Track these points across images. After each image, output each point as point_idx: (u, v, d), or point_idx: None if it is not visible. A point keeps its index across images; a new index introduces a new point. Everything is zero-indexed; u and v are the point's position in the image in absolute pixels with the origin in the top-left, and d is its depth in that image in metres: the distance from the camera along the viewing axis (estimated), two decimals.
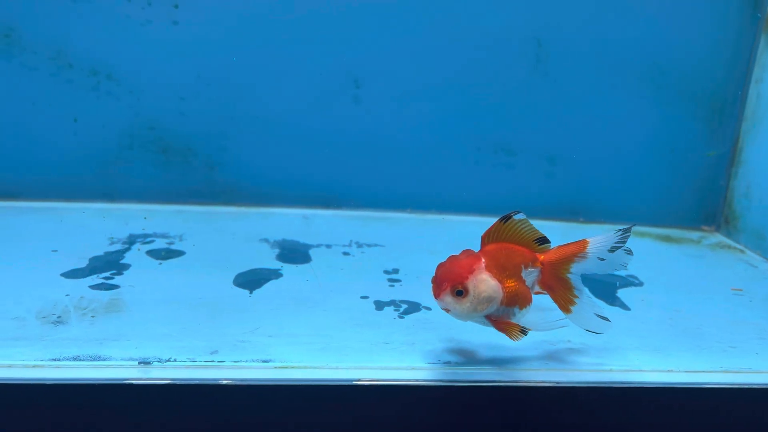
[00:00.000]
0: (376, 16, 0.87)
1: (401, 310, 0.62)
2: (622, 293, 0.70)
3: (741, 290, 0.72)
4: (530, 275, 0.50)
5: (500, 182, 0.95)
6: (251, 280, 0.66)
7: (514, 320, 0.49)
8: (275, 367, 0.50)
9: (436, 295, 0.47)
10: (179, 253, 0.73)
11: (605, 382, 0.51)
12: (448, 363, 0.52)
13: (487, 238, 0.49)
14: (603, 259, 0.49)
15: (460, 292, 0.46)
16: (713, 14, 0.88)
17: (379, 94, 0.90)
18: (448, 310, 0.48)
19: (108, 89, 0.85)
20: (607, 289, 0.71)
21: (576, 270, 0.50)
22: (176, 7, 0.84)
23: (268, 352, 0.52)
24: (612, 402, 0.51)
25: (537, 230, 0.50)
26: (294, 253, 0.76)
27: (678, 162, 0.94)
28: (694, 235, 0.93)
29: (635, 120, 0.93)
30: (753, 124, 0.88)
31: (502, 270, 0.48)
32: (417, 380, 0.50)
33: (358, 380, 0.49)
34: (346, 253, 0.77)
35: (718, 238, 0.92)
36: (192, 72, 0.87)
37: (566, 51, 0.89)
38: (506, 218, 0.49)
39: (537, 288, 0.51)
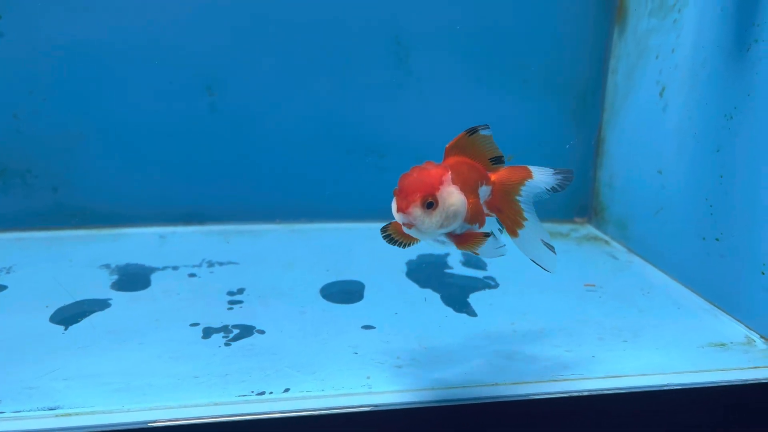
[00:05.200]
0: (229, 20, 0.82)
1: (230, 336, 0.58)
2: (474, 297, 0.68)
3: (593, 285, 0.71)
4: (482, 194, 0.46)
5: (373, 185, 0.92)
6: (72, 315, 0.61)
7: None
8: (57, 415, 0.45)
9: (403, 208, 0.42)
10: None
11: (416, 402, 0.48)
12: (261, 394, 0.49)
13: (451, 150, 0.45)
14: (549, 190, 0.48)
15: (431, 204, 0.42)
16: (570, 7, 0.87)
17: (237, 100, 0.86)
18: (411, 226, 0.42)
19: None
20: (460, 292, 0.69)
21: (526, 193, 0.48)
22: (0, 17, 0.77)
23: (57, 398, 0.47)
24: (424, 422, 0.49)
25: (497, 148, 0.47)
26: (134, 279, 0.70)
27: (547, 154, 0.93)
28: (565, 228, 0.92)
29: (502, 114, 0.91)
30: (612, 114, 0.88)
31: (465, 184, 0.44)
32: (220, 416, 0.46)
33: (154, 422, 0.45)
34: (192, 275, 0.72)
35: (588, 229, 0.92)
36: (23, 87, 0.80)
37: (427, 49, 0.87)
38: (472, 131, 0.45)
39: (485, 209, 0.48)
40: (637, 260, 0.80)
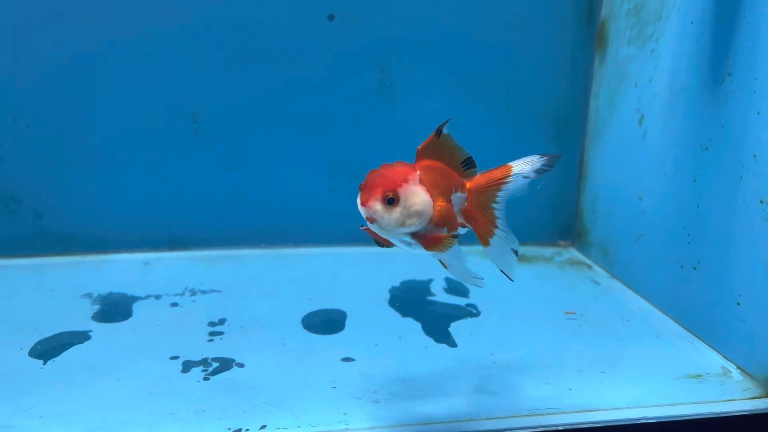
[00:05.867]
0: (212, 48, 0.83)
1: (210, 369, 0.58)
2: (455, 327, 0.68)
3: (574, 313, 0.71)
4: (456, 201, 0.46)
5: (357, 210, 0.91)
6: (51, 348, 0.61)
7: None
8: None
9: (364, 202, 0.42)
10: None
11: None
12: (237, 431, 0.49)
13: (424, 152, 0.45)
14: (528, 177, 0.48)
15: (392, 200, 0.42)
16: (551, 33, 0.88)
17: (221, 126, 0.86)
18: (373, 221, 0.43)
19: None
20: (442, 321, 0.69)
21: (501, 199, 0.48)
22: None
23: None
24: None
25: (464, 150, 0.47)
26: (115, 309, 0.70)
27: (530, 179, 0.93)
28: (549, 251, 0.93)
29: (485, 138, 0.91)
30: (594, 138, 0.88)
31: (434, 187, 0.44)
32: None
33: None
34: (174, 304, 0.72)
35: (572, 253, 0.92)
36: (7, 114, 0.81)
37: (410, 74, 0.88)
38: (439, 132, 0.45)
39: (459, 218, 0.47)
40: (618, 286, 0.80)
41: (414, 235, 0.44)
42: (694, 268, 0.67)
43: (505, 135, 0.91)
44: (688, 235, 0.67)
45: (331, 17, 0.84)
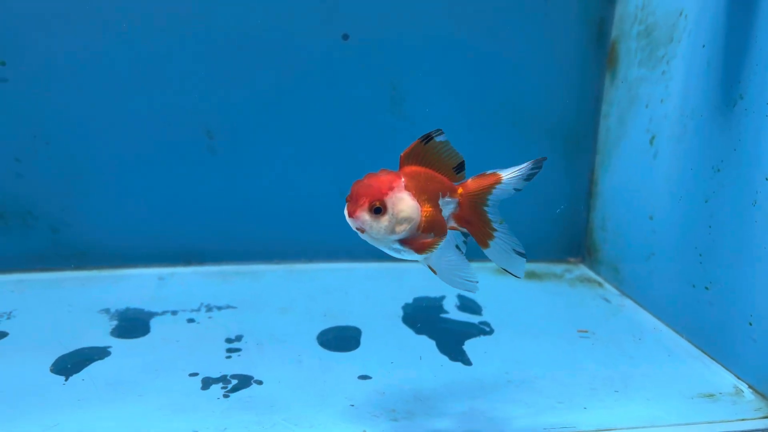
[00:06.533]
0: (228, 66, 0.84)
1: (229, 387, 0.59)
2: (469, 345, 0.69)
3: (586, 331, 0.72)
4: (447, 206, 0.47)
5: None
6: (73, 364, 0.62)
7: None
8: None
9: (351, 213, 0.43)
10: (0, 336, 0.67)
11: None
12: None
13: (406, 158, 0.46)
14: (519, 190, 0.48)
15: (379, 210, 0.43)
16: (561, 53, 0.89)
17: (236, 143, 0.87)
18: (362, 231, 0.44)
19: None
20: (456, 339, 0.70)
21: (493, 202, 0.48)
22: (3, 64, 0.79)
23: None
24: None
25: (458, 154, 0.47)
26: (133, 325, 0.71)
27: (540, 195, 0.94)
28: (559, 268, 0.93)
29: (495, 156, 0.92)
30: (604, 157, 0.89)
31: (420, 192, 0.45)
32: None
33: None
34: (191, 320, 0.73)
35: (582, 270, 0.93)
36: (27, 131, 0.82)
37: (421, 93, 0.89)
38: (427, 138, 0.46)
39: (453, 223, 0.48)
40: (629, 303, 0.81)
41: (403, 241, 0.45)
42: (706, 288, 0.67)
43: (515, 154, 0.92)
44: (700, 255, 0.68)
45: (345, 37, 0.85)
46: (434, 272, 0.47)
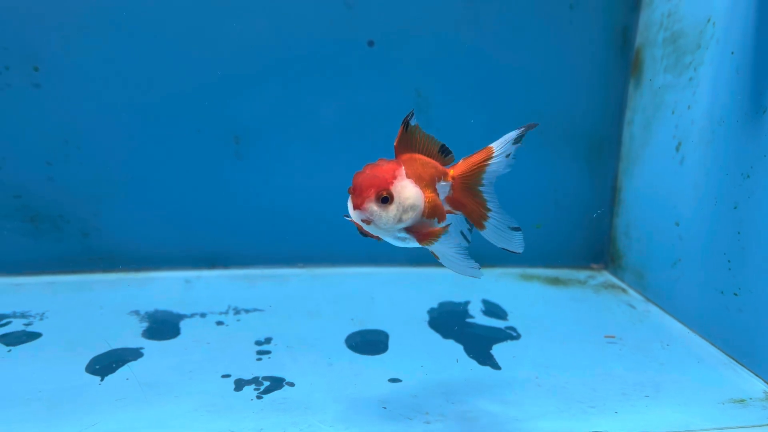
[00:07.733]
0: (253, 69, 0.85)
1: (261, 388, 0.59)
2: (497, 349, 0.69)
3: (614, 337, 0.72)
4: (442, 190, 0.47)
5: None
6: (106, 365, 0.63)
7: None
8: None
9: (358, 205, 0.43)
10: (35, 336, 0.68)
11: None
12: None
13: (399, 146, 0.47)
14: (510, 156, 0.48)
15: (386, 199, 0.43)
16: (585, 59, 0.90)
17: (261, 148, 0.88)
18: (369, 222, 0.43)
19: None
20: (483, 343, 0.70)
21: (487, 181, 0.48)
22: (36, 69, 0.81)
23: None
24: None
25: (435, 139, 0.48)
26: (163, 326, 0.72)
27: (562, 201, 0.95)
28: (582, 275, 0.94)
29: (518, 162, 0.93)
30: (628, 164, 0.90)
31: (419, 179, 0.45)
32: None
33: None
34: (219, 323, 0.74)
35: (606, 276, 0.93)
36: (59, 136, 0.83)
37: (445, 99, 0.90)
38: (406, 124, 0.46)
39: (447, 207, 0.48)
40: (654, 310, 0.81)
41: (408, 229, 0.45)
42: (735, 294, 0.67)
43: (539, 160, 0.93)
44: (729, 261, 0.68)
45: (370, 43, 0.86)
46: (437, 257, 0.47)
